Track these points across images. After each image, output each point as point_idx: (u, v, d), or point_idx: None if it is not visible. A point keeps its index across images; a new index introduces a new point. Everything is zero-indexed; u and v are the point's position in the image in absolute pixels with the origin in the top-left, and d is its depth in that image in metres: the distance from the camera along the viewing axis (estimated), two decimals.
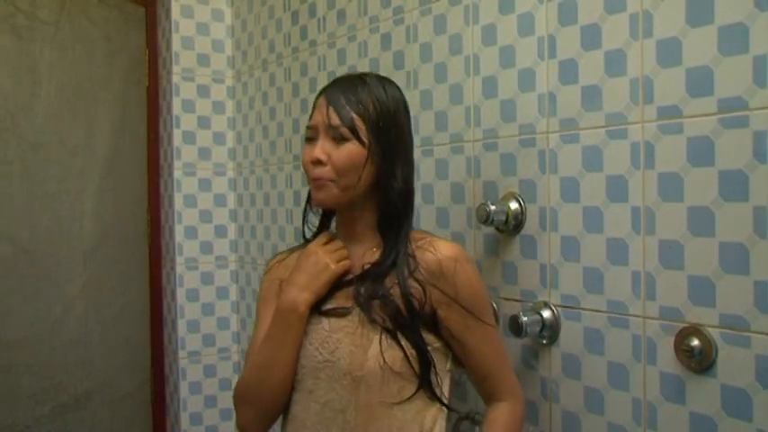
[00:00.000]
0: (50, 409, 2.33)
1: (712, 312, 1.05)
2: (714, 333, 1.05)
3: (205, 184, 2.47)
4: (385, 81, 1.21)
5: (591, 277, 1.24)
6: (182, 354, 2.41)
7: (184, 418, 2.41)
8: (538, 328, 1.29)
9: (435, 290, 1.14)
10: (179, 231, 2.42)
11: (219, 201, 2.49)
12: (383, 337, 1.12)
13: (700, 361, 1.06)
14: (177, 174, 2.42)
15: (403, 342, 1.12)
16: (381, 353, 1.11)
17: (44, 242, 2.33)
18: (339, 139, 1.14)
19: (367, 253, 1.19)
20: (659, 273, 1.13)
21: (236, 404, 1.22)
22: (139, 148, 2.54)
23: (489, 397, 1.22)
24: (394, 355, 1.11)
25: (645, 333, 1.15)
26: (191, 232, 2.44)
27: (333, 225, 1.30)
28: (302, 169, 1.20)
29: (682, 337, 1.08)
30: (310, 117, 1.19)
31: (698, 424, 1.08)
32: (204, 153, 2.47)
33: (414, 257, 1.15)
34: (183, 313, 2.42)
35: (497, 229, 1.41)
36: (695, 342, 1.06)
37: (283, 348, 1.15)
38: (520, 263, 1.37)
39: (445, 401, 1.18)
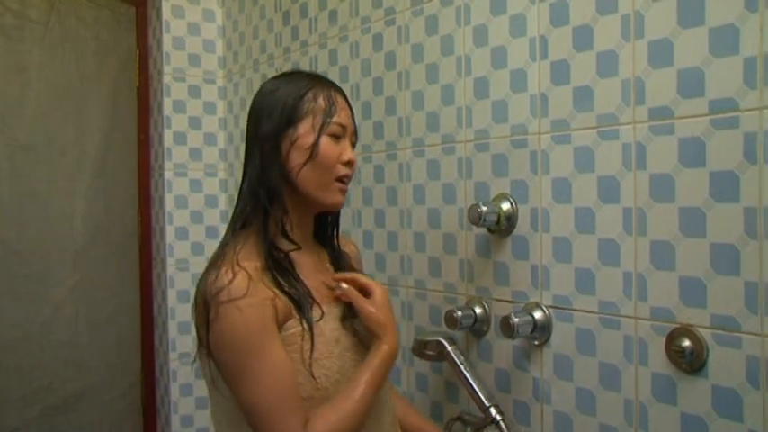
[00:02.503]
0: (39, 411, 2.31)
1: (703, 313, 1.05)
2: (705, 334, 1.05)
3: (196, 185, 2.46)
4: None
5: (582, 278, 1.24)
6: (173, 355, 2.39)
7: (175, 421, 2.39)
8: (529, 329, 1.29)
9: None
10: (170, 232, 2.41)
11: (210, 202, 2.48)
12: None
13: (691, 361, 1.06)
14: (168, 174, 2.40)
15: None
16: None
17: (34, 243, 2.31)
18: (353, 146, 1.17)
19: (320, 258, 1.22)
20: (651, 273, 1.13)
21: None
22: (130, 149, 2.52)
23: None
24: None
25: (636, 334, 1.15)
26: (182, 233, 2.42)
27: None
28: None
29: (673, 337, 1.09)
30: (333, 113, 1.11)
31: (689, 424, 1.08)
32: (195, 154, 2.45)
33: (345, 254, 1.27)
34: (173, 315, 2.40)
35: (489, 229, 1.41)
36: (686, 343, 1.06)
37: (379, 389, 1.09)
38: (511, 264, 1.37)
39: None
